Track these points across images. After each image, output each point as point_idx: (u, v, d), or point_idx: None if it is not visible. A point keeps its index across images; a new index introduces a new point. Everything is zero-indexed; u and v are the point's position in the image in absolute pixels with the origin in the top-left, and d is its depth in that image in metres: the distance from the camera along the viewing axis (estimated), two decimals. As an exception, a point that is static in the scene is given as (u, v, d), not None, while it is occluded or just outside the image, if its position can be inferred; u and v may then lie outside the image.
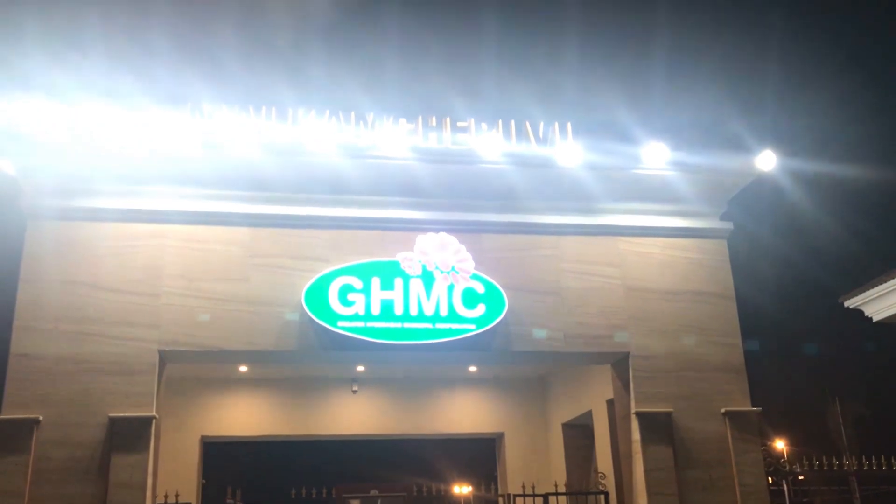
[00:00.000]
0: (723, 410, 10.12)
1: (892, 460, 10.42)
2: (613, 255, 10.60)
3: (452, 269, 9.99)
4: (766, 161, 10.54)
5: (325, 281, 9.69)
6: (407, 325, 9.73)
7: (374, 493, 23.78)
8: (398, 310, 9.74)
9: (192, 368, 12.19)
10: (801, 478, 10.70)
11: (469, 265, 10.03)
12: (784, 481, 10.60)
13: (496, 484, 14.36)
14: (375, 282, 9.80)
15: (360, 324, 9.63)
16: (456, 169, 10.14)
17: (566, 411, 13.49)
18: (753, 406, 10.27)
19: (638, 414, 10.01)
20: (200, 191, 9.81)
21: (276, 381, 13.55)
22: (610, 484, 11.11)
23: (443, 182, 10.20)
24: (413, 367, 13.02)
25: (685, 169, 10.48)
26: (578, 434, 13.31)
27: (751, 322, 11.39)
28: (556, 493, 10.28)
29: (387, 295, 9.77)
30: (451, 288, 9.91)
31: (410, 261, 9.94)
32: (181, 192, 9.77)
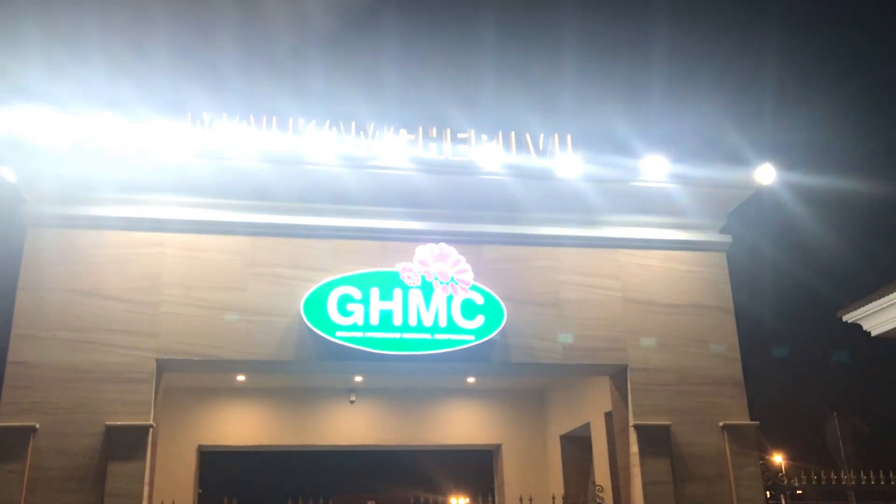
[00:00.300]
0: (721, 424, 10.11)
1: (891, 475, 10.40)
2: (612, 267, 10.60)
3: (452, 279, 9.99)
4: (766, 175, 10.57)
5: (324, 291, 9.69)
6: (406, 335, 9.72)
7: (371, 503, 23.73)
8: (397, 320, 9.74)
9: (189, 377, 12.15)
10: (799, 492, 10.67)
11: (468, 276, 10.03)
12: (782, 495, 10.57)
13: (493, 496, 14.30)
14: (374, 292, 9.79)
15: (359, 334, 9.62)
16: (456, 180, 10.15)
17: (564, 423, 13.46)
18: (752, 420, 10.26)
19: (636, 427, 9.99)
20: (200, 199, 9.82)
21: (273, 390, 13.52)
22: (608, 497, 11.07)
23: (443, 193, 10.21)
24: (411, 377, 12.99)
25: (685, 182, 10.50)
26: (576, 446, 13.27)
27: (750, 335, 11.39)
28: (554, 506, 10.22)
29: (386, 305, 9.77)
30: (450, 299, 9.91)
31: (410, 271, 9.95)
32: (181, 200, 9.78)
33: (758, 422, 10.27)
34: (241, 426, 13.43)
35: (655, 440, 9.90)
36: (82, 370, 9.07)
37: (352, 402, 13.78)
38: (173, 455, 12.58)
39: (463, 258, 10.10)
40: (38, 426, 8.79)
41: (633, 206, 10.65)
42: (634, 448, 9.96)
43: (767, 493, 10.22)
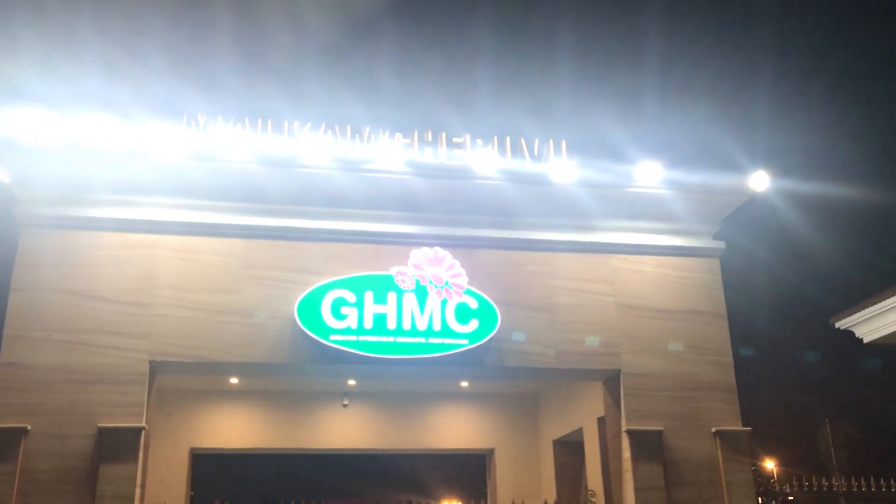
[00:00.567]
0: (714, 430, 10.13)
1: (881, 482, 10.43)
2: (606, 272, 10.62)
3: (446, 283, 10.00)
4: (760, 181, 10.60)
5: (319, 294, 9.68)
6: (399, 339, 9.72)
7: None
8: (391, 324, 9.74)
9: (182, 380, 12.14)
10: (790, 498, 10.68)
11: (462, 280, 10.04)
12: (774, 501, 10.59)
13: (486, 500, 14.30)
14: (369, 295, 9.79)
15: (353, 337, 9.62)
16: (451, 184, 10.16)
17: (557, 428, 13.47)
18: (744, 426, 10.28)
19: (629, 432, 10.00)
20: (195, 201, 9.80)
21: (266, 393, 13.50)
22: (600, 502, 11.07)
23: (437, 197, 10.22)
24: (404, 381, 12.99)
25: (679, 188, 10.53)
26: (569, 451, 13.28)
27: (743, 341, 11.41)
28: (546, 511, 10.24)
29: (380, 309, 9.77)
30: (444, 303, 9.91)
31: (404, 275, 9.95)
32: (175, 202, 9.77)
33: (750, 428, 10.30)
34: (234, 429, 13.41)
35: (648, 445, 9.92)
36: (75, 371, 9.05)
37: (345, 405, 13.77)
38: (166, 457, 12.55)
39: (457, 262, 10.11)
40: (29, 428, 8.76)
41: (628, 211, 10.68)
42: (627, 453, 9.97)
43: (759, 499, 10.24)
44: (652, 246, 10.75)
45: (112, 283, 9.43)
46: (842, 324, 10.74)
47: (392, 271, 9.95)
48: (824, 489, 10.53)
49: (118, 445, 8.84)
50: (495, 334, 9.91)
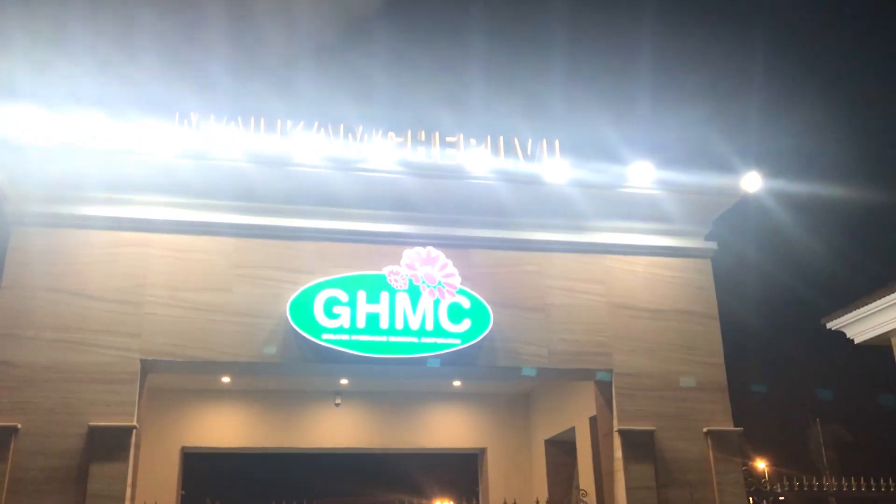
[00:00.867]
0: (705, 430, 10.16)
1: (871, 481, 10.47)
2: (599, 272, 10.64)
3: (439, 283, 10.00)
4: (752, 182, 10.64)
5: (311, 293, 9.67)
6: (392, 338, 9.72)
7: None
8: (384, 323, 9.73)
9: (173, 378, 12.10)
10: (781, 498, 10.72)
11: (455, 280, 10.04)
12: (765, 501, 10.62)
13: (477, 500, 14.29)
14: (361, 295, 9.78)
15: (345, 336, 9.60)
16: (444, 183, 10.16)
17: (549, 428, 13.48)
18: (735, 426, 10.31)
19: (620, 431, 10.02)
20: (186, 200, 9.78)
21: (258, 392, 13.48)
22: (591, 501, 11.09)
23: (430, 196, 10.22)
24: (396, 381, 12.98)
25: (671, 188, 10.56)
26: (561, 451, 13.30)
27: (734, 341, 11.44)
28: (538, 510, 10.23)
29: (372, 308, 9.76)
30: (436, 302, 9.91)
31: (397, 274, 9.94)
32: (167, 201, 9.74)
33: (741, 428, 10.33)
34: (226, 428, 13.38)
35: (639, 445, 9.93)
36: (66, 370, 9.01)
37: (337, 404, 13.76)
38: (157, 456, 12.51)
39: (450, 262, 10.11)
40: (20, 426, 8.72)
41: (620, 211, 10.69)
42: (618, 453, 9.98)
43: (750, 498, 10.27)
44: (644, 246, 10.77)
45: (103, 282, 9.40)
46: (833, 324, 10.78)
47: (385, 271, 9.94)
48: (815, 489, 10.57)
49: (109, 444, 8.81)
50: (488, 334, 9.91)
